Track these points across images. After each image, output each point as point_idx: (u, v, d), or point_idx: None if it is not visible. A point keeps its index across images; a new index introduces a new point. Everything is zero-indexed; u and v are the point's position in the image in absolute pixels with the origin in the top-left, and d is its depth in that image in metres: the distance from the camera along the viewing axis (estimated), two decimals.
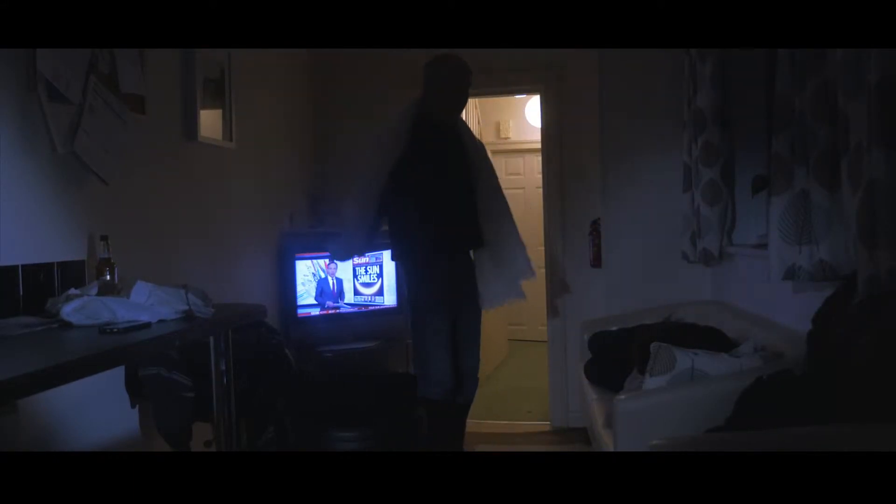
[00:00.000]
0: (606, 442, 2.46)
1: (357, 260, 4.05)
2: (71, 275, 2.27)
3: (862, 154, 1.71)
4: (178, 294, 2.06)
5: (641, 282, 3.76)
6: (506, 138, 7.10)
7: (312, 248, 3.96)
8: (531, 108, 6.67)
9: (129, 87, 2.60)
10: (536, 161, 5.70)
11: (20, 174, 2.15)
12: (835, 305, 1.95)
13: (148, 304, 1.99)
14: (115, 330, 1.82)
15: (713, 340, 2.57)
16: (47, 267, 2.19)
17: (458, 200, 3.22)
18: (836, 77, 1.87)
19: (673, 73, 3.51)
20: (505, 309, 6.53)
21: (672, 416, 2.13)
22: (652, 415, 2.19)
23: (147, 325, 1.90)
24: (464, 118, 3.59)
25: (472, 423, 4.10)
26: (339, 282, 4.02)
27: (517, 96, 6.67)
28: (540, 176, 4.61)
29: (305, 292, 3.92)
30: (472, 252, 3.40)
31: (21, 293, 2.08)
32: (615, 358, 3.00)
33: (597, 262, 4.06)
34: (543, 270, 4.47)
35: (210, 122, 3.24)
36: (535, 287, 5.91)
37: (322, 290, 3.97)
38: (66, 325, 1.89)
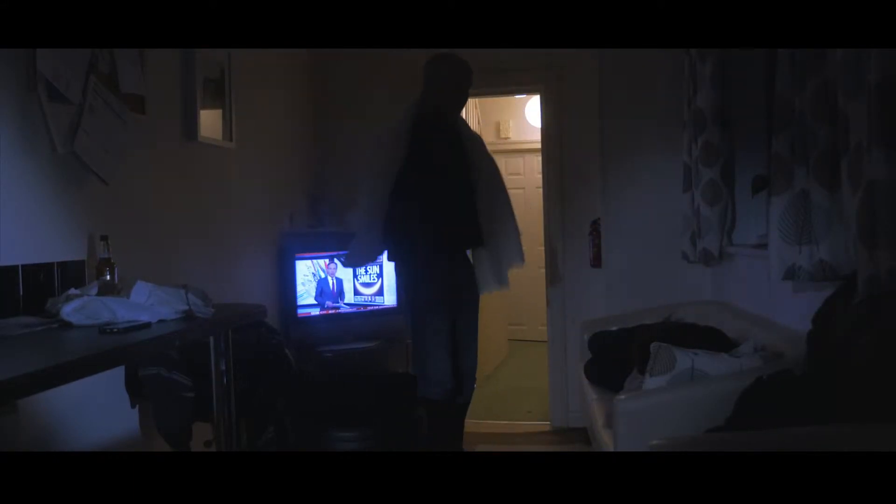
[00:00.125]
0: (606, 442, 2.46)
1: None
2: (71, 275, 2.27)
3: (862, 154, 1.71)
4: (178, 294, 2.06)
5: (641, 282, 3.76)
6: (506, 138, 7.09)
7: (312, 248, 3.96)
8: (531, 108, 6.67)
9: (129, 87, 2.60)
10: (536, 161, 5.70)
11: (20, 174, 2.15)
12: (835, 305, 1.95)
13: (148, 304, 1.99)
14: (115, 330, 1.82)
15: (713, 340, 2.57)
16: (47, 267, 2.19)
17: (458, 200, 3.22)
18: (836, 77, 1.87)
19: (673, 73, 3.51)
20: (505, 309, 6.59)
21: (672, 416, 2.13)
22: (652, 415, 2.18)
23: (147, 325, 1.90)
24: (463, 118, 3.59)
25: (472, 423, 4.11)
26: (339, 282, 4.02)
27: (517, 96, 6.67)
28: (540, 176, 4.61)
29: (305, 292, 3.92)
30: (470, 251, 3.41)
31: (21, 293, 2.08)
32: (615, 358, 3.00)
33: (597, 262, 4.06)
34: (543, 270, 4.48)
35: (210, 122, 3.24)
36: (536, 287, 5.92)
37: (322, 290, 3.97)
38: (66, 325, 1.89)
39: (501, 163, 6.73)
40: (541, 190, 4.49)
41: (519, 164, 7.15)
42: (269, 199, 3.90)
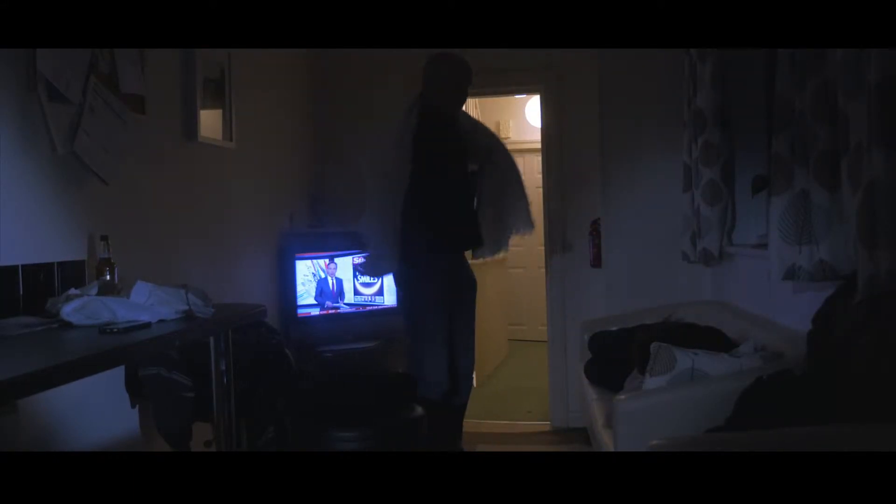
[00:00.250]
0: (606, 442, 2.46)
1: (357, 260, 4.05)
2: (71, 275, 2.27)
3: (862, 154, 1.71)
4: (178, 294, 2.06)
5: (641, 282, 3.76)
6: (506, 138, 7.06)
7: (312, 248, 3.96)
8: (531, 108, 6.67)
9: (129, 87, 2.60)
10: (536, 161, 5.70)
11: (20, 174, 2.15)
12: (835, 305, 1.95)
13: (148, 304, 1.99)
14: (115, 330, 1.82)
15: (713, 340, 2.57)
16: (47, 267, 2.19)
17: (458, 201, 3.22)
18: (836, 77, 1.87)
19: (673, 73, 3.51)
20: (505, 309, 6.59)
21: (672, 416, 2.13)
22: (652, 415, 2.18)
23: (147, 325, 1.90)
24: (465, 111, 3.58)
25: (472, 423, 4.11)
26: (339, 282, 4.02)
27: (517, 96, 6.67)
28: (540, 176, 4.61)
29: (305, 292, 3.92)
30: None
31: (21, 293, 2.08)
32: (615, 358, 3.00)
33: (597, 262, 4.06)
34: (543, 270, 4.48)
35: (210, 122, 3.24)
36: (536, 287, 5.92)
37: (322, 290, 3.97)
38: (66, 325, 1.89)
39: None
40: (541, 190, 4.50)
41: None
42: (269, 199, 3.90)
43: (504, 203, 3.32)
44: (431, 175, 3.12)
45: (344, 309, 4.03)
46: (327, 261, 3.98)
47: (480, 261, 3.54)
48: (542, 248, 4.49)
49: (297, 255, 3.91)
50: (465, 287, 3.33)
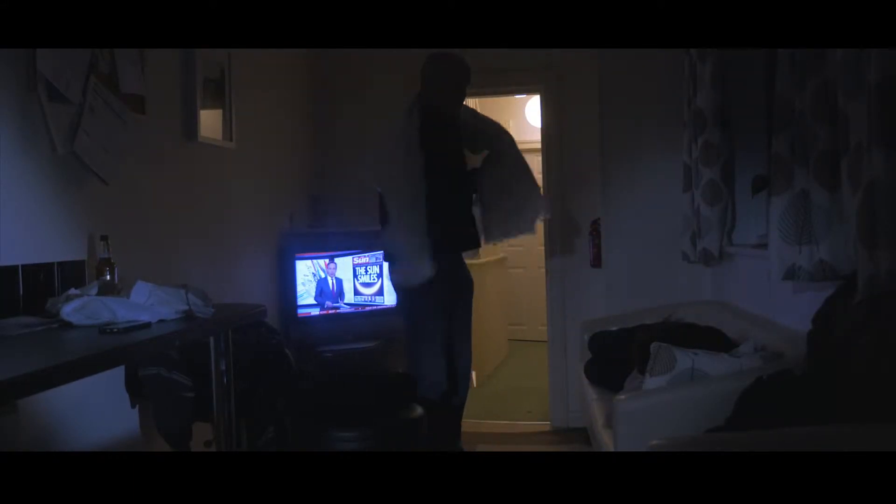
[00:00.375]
0: (606, 442, 2.46)
1: (357, 260, 4.05)
2: (71, 275, 2.27)
3: (862, 154, 1.71)
4: (178, 294, 2.06)
5: (641, 282, 3.76)
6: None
7: (312, 248, 3.96)
8: (531, 108, 6.67)
9: (129, 87, 2.60)
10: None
11: (20, 174, 2.15)
12: (835, 305, 1.95)
13: (148, 304, 1.99)
14: (115, 330, 1.82)
15: (713, 340, 2.57)
16: (47, 267, 2.19)
17: (457, 201, 3.22)
18: (836, 77, 1.87)
19: (673, 73, 3.51)
20: (505, 309, 6.59)
21: (672, 416, 2.13)
22: (652, 415, 2.18)
23: (147, 325, 1.90)
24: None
25: (472, 423, 4.11)
26: (339, 282, 4.02)
27: (517, 96, 6.67)
28: (540, 176, 4.60)
29: (305, 292, 3.92)
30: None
31: (21, 293, 2.08)
32: (615, 358, 3.00)
33: (597, 262, 4.06)
34: (543, 270, 4.48)
35: (210, 122, 3.24)
36: (536, 287, 5.91)
37: (322, 290, 3.97)
38: (66, 325, 1.89)
39: None
40: (541, 190, 4.49)
41: None
42: (269, 199, 3.90)
43: (520, 189, 3.30)
44: (432, 175, 3.12)
45: (344, 309, 4.03)
46: (327, 261, 3.98)
47: (482, 261, 3.53)
48: (542, 248, 4.49)
49: (297, 255, 3.91)
50: (463, 287, 3.34)
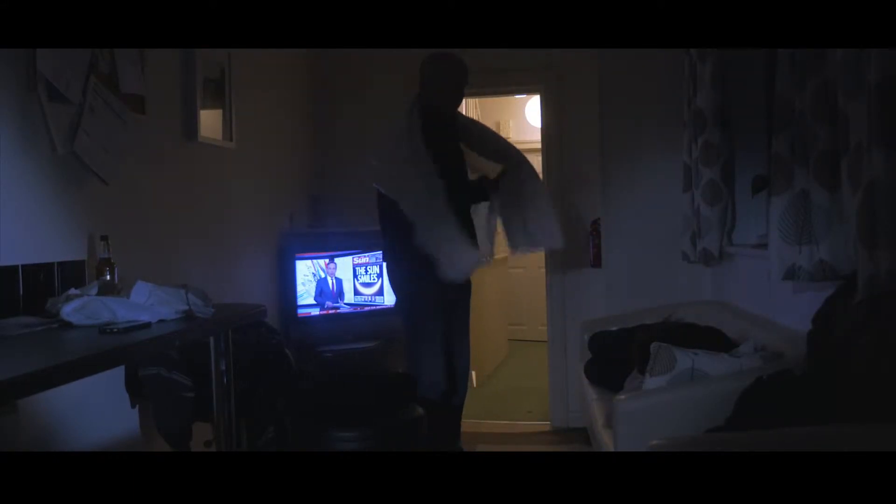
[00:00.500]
0: (606, 442, 2.46)
1: (357, 260, 4.05)
2: (71, 275, 2.27)
3: (862, 154, 1.71)
4: (178, 294, 2.06)
5: (641, 282, 3.76)
6: (506, 138, 7.09)
7: (312, 248, 3.96)
8: (531, 108, 6.67)
9: (129, 87, 2.60)
10: (536, 161, 5.68)
11: (20, 174, 2.15)
12: (835, 305, 1.95)
13: (148, 304, 1.99)
14: (115, 330, 1.82)
15: (713, 340, 2.57)
16: (47, 267, 2.19)
17: (456, 201, 3.22)
18: (836, 77, 1.87)
19: (673, 73, 3.51)
20: (505, 309, 6.59)
21: (672, 416, 2.13)
22: (652, 415, 2.18)
23: (147, 325, 1.90)
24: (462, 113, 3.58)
25: (472, 423, 4.11)
26: (339, 282, 4.02)
27: (517, 96, 6.67)
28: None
29: (305, 292, 3.92)
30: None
31: (21, 293, 2.08)
32: (615, 358, 3.00)
33: (597, 262, 4.06)
34: (543, 270, 4.48)
35: (210, 122, 3.24)
36: (536, 287, 5.90)
37: (322, 290, 3.97)
38: (66, 325, 1.89)
39: None
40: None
41: None
42: (269, 199, 3.90)
43: (528, 215, 3.28)
44: (429, 175, 3.11)
45: (344, 309, 4.03)
46: (327, 261, 3.98)
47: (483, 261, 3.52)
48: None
49: (297, 255, 3.91)
50: (461, 287, 3.33)
